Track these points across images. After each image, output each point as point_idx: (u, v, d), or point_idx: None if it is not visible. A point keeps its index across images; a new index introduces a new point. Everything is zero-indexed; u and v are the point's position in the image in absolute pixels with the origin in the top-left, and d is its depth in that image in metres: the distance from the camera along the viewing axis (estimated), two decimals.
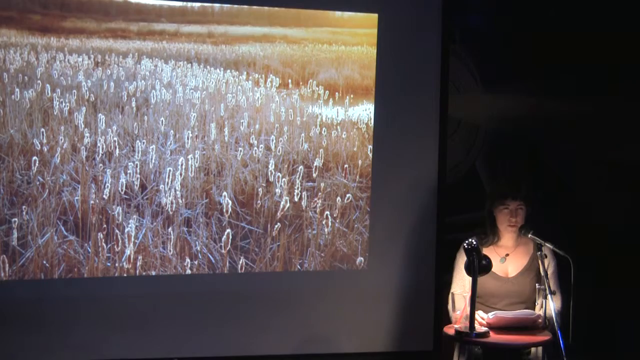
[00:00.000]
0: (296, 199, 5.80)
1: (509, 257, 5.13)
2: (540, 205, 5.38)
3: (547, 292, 4.78)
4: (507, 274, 5.12)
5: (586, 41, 6.08)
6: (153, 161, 5.55)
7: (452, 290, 5.05)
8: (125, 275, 5.50)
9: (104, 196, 5.47)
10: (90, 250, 5.43)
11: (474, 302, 4.77)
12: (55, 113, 5.42)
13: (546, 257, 4.93)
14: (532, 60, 6.16)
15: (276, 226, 5.76)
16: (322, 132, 5.87)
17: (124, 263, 5.49)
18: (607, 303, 5.93)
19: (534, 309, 5.01)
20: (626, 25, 6.02)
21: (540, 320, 4.89)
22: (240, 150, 5.72)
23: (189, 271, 5.60)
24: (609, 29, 6.03)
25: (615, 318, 6.00)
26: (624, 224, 6.06)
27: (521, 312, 4.94)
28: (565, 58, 6.13)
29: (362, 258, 5.93)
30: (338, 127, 5.90)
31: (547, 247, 4.94)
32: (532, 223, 5.07)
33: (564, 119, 6.13)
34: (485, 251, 4.97)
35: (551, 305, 4.74)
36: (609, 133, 6.09)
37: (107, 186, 5.47)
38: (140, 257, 5.52)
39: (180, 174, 5.59)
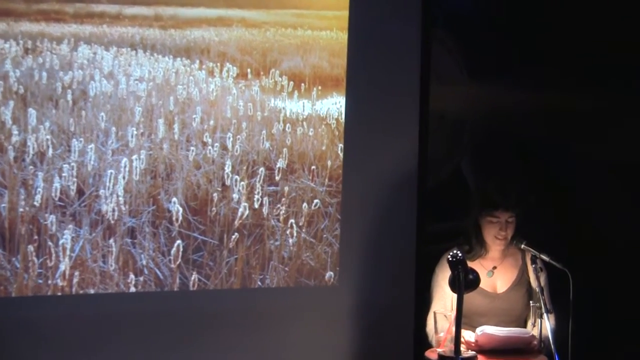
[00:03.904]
0: (256, 206, 5.63)
1: (496, 270, 5.02)
2: (533, 209, 5.25)
3: (543, 310, 4.69)
4: (495, 290, 5.01)
5: (588, 29, 5.96)
6: (92, 163, 5.33)
7: (433, 309, 4.94)
8: (59, 293, 5.27)
9: (35, 203, 5.23)
10: (19, 265, 5.19)
11: (460, 322, 4.52)
12: None
13: (542, 270, 4.85)
14: (525, 48, 6.06)
15: (233, 237, 5.58)
16: (286, 129, 5.72)
17: (58, 280, 5.26)
18: (608, 320, 5.82)
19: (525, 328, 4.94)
20: (625, 17, 5.88)
21: (535, 342, 4.74)
22: (193, 150, 5.54)
23: (133, 289, 5.40)
24: (613, 19, 5.90)
25: (617, 337, 5.86)
26: (626, 230, 5.91)
27: (513, 330, 4.80)
28: (563, 48, 6.00)
29: (331, 272, 5.78)
30: (304, 123, 5.75)
31: (542, 259, 4.88)
32: (524, 230, 5.00)
33: (560, 113, 6.03)
34: (470, 264, 4.75)
35: (547, 325, 4.65)
36: (610, 130, 5.98)
37: (39, 191, 5.23)
38: (76, 273, 5.28)
39: (124, 177, 5.38)
